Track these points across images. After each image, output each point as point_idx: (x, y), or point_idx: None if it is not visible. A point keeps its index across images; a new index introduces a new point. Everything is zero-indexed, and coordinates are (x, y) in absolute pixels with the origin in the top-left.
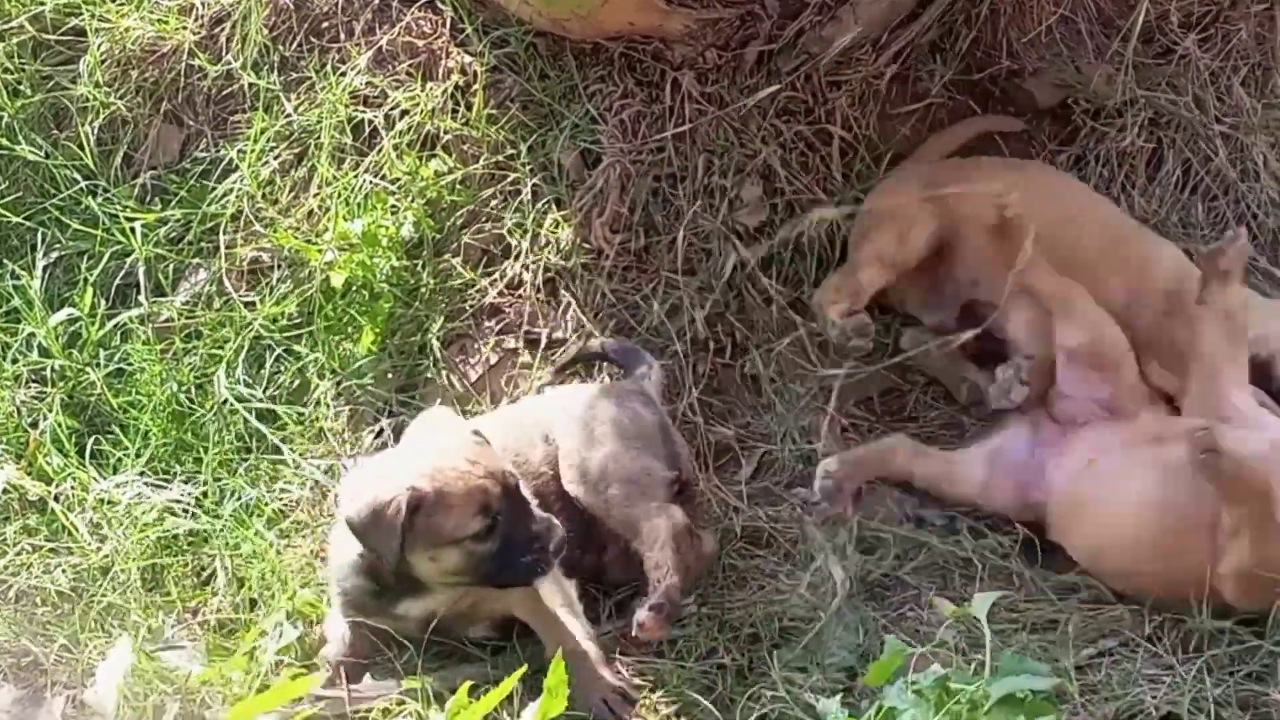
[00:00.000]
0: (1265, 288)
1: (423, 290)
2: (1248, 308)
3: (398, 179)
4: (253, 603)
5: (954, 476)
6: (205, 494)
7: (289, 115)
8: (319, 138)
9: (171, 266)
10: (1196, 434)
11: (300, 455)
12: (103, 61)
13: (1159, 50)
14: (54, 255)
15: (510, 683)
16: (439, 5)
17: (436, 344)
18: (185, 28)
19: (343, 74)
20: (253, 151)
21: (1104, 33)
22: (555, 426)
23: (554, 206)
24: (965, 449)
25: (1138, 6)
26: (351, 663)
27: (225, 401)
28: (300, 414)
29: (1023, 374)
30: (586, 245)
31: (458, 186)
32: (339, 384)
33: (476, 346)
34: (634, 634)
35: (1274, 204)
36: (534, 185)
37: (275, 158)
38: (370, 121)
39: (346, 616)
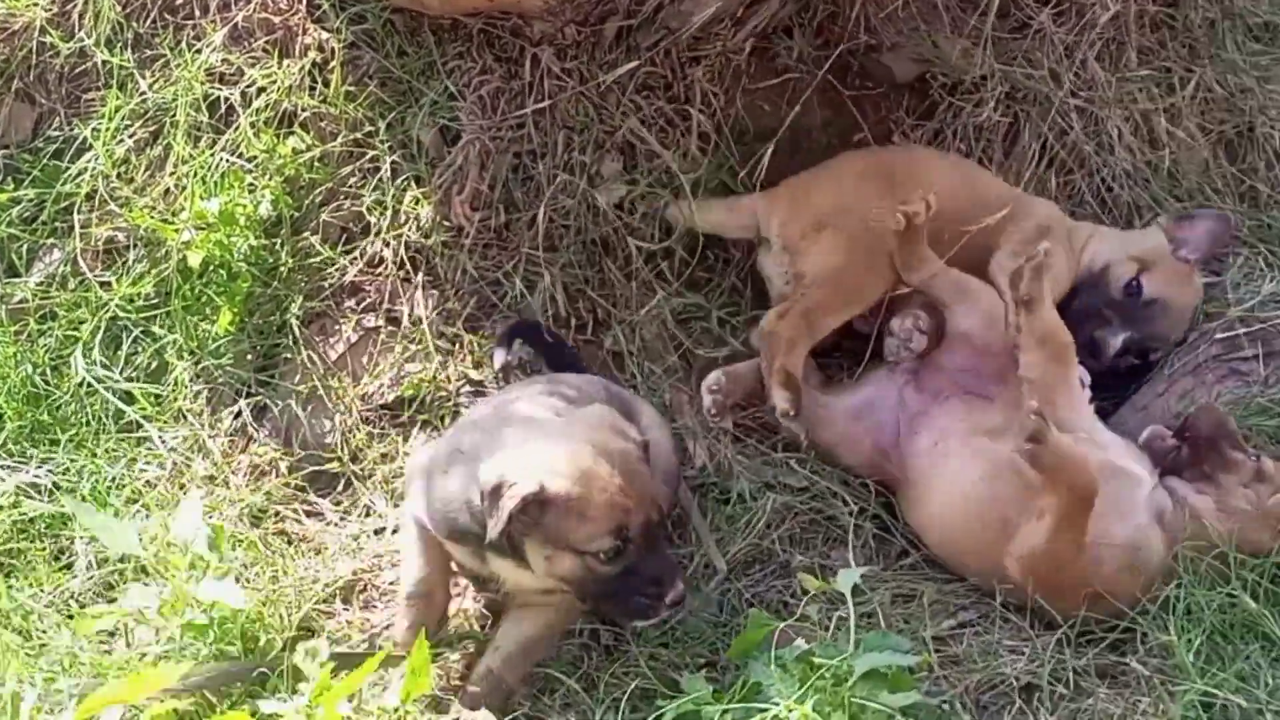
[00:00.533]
0: None
1: (281, 269)
2: (1084, 235)
3: (255, 157)
4: (110, 585)
5: (818, 418)
6: (65, 473)
7: (144, 93)
8: (174, 116)
9: (25, 247)
10: (1027, 419)
11: (160, 433)
12: None
13: (1015, 25)
14: None
15: (373, 663)
16: None
17: (296, 323)
18: (36, 4)
19: (198, 51)
20: (107, 130)
21: (960, 7)
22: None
23: (413, 184)
24: (836, 395)
25: None
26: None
27: (83, 382)
28: (158, 395)
29: (921, 324)
30: (447, 223)
31: (316, 164)
32: (197, 364)
33: (337, 325)
34: None
35: (1129, 177)
36: (393, 162)
37: (130, 136)
38: (227, 99)
39: (445, 537)
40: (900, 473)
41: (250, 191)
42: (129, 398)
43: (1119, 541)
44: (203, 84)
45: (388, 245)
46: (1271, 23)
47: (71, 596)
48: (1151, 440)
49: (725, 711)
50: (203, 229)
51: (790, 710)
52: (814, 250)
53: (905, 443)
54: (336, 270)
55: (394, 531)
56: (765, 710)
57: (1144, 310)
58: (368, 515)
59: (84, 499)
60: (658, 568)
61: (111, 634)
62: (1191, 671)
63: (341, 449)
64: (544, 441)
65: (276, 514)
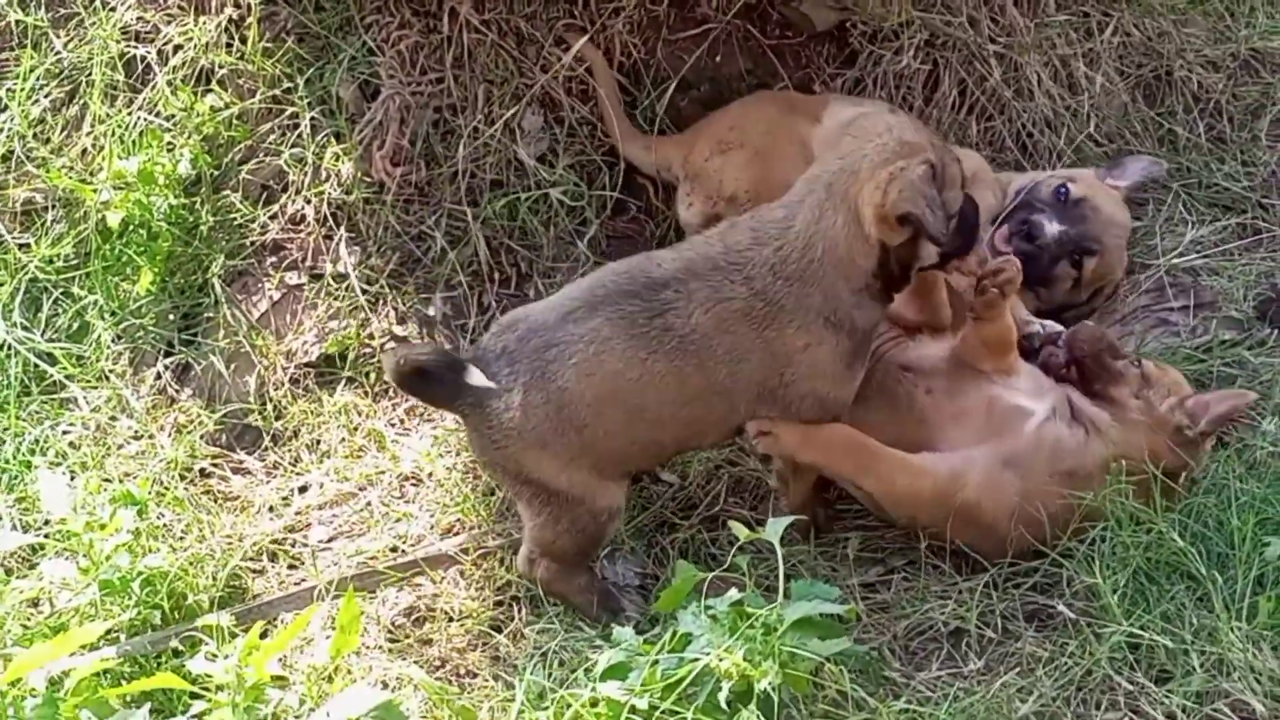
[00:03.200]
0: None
1: (202, 228)
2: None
3: (173, 115)
4: (35, 548)
5: None
6: None
7: (59, 52)
8: (90, 75)
9: None
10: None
11: (83, 394)
12: None
13: None
14: None
15: (303, 621)
16: None
17: (218, 282)
18: None
19: (113, 9)
20: (22, 90)
21: None
22: None
23: (333, 140)
24: None
25: None
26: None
27: (3, 344)
28: (80, 356)
29: None
30: (368, 179)
31: (235, 122)
32: (119, 324)
33: (259, 283)
34: None
35: (1048, 122)
36: (312, 119)
37: (46, 96)
38: (143, 58)
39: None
40: None
41: (169, 150)
42: (50, 359)
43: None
44: (118, 42)
45: (309, 202)
46: None
47: None
48: (1046, 360)
49: (655, 662)
50: (121, 189)
51: (721, 659)
52: (727, 167)
53: None
54: (258, 228)
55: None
56: (696, 660)
57: (1073, 209)
58: (294, 472)
59: (6, 461)
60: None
61: (35, 602)
62: (1117, 613)
63: (266, 407)
64: (870, 145)
65: (202, 472)
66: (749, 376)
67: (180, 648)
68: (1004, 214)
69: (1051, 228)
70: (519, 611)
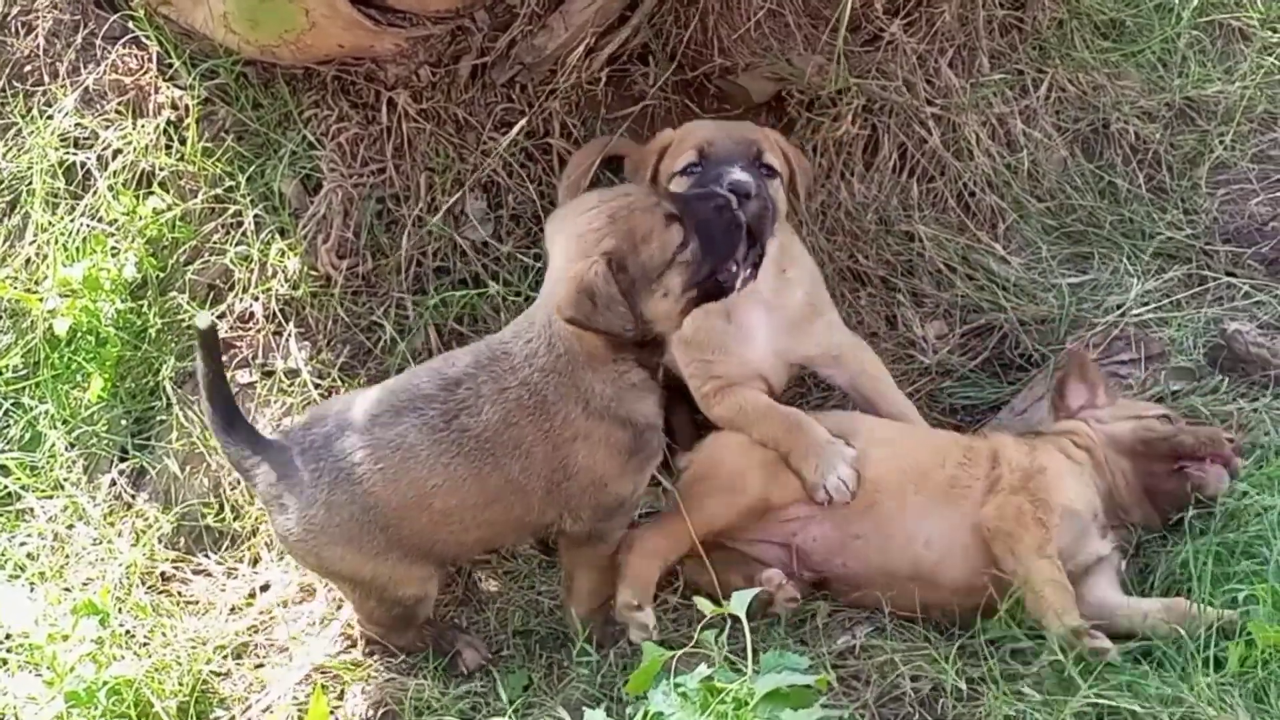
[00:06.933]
0: (988, 263)
1: (150, 331)
2: None
3: (116, 220)
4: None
5: None
6: None
7: None
8: (30, 184)
9: None
10: None
11: (40, 503)
12: None
13: (867, 38)
14: None
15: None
16: (144, 40)
17: (169, 385)
18: None
19: (50, 117)
20: None
21: (812, 24)
22: None
23: (278, 236)
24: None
25: None
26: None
27: None
28: (33, 466)
29: None
30: (314, 272)
31: (178, 223)
32: (71, 432)
33: None
34: None
35: (989, 182)
36: (256, 216)
37: None
38: (83, 164)
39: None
40: None
41: (113, 255)
42: (4, 470)
43: None
44: (57, 150)
45: (256, 299)
46: (1118, 20)
47: None
48: None
49: None
50: (67, 296)
51: None
52: None
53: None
54: None
55: None
56: None
57: None
58: (254, 571)
59: None
60: (711, 204)
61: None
62: (1080, 682)
63: (224, 507)
64: (560, 263)
65: (163, 575)
66: (537, 470)
67: None
68: None
69: None
70: (488, 702)
